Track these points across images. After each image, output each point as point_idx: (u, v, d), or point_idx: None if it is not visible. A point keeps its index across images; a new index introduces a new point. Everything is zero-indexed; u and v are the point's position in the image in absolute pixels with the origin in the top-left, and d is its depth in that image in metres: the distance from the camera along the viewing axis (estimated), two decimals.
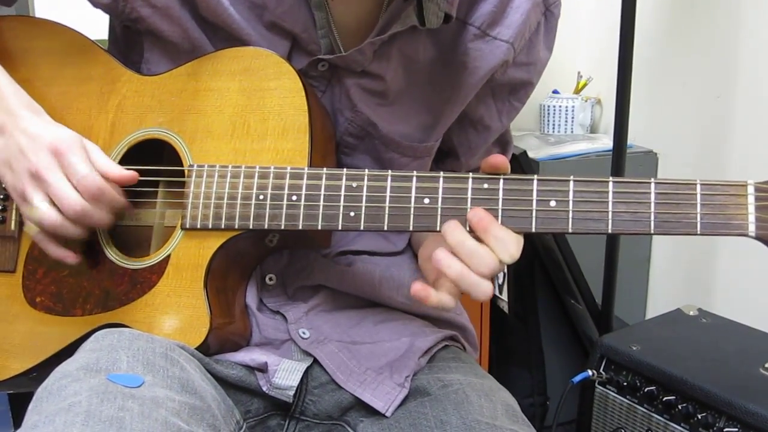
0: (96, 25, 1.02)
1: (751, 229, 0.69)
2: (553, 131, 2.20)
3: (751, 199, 0.69)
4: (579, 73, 2.23)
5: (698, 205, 0.70)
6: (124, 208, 0.85)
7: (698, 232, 0.70)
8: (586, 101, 2.19)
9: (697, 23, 1.89)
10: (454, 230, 0.74)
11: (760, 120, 1.72)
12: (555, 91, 2.21)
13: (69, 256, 0.85)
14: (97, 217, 0.82)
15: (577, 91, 2.22)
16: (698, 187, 0.70)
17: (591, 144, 2.04)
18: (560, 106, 2.17)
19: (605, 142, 2.04)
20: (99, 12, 0.93)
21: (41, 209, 0.80)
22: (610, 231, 0.72)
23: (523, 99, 1.00)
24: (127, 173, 0.84)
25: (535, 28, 0.94)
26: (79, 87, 0.92)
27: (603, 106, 2.24)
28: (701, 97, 1.88)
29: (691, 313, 1.50)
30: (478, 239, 0.73)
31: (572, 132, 2.18)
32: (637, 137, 2.03)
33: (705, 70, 1.87)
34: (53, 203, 0.80)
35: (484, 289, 0.73)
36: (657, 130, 2.04)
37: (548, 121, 2.20)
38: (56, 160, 0.80)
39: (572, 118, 2.18)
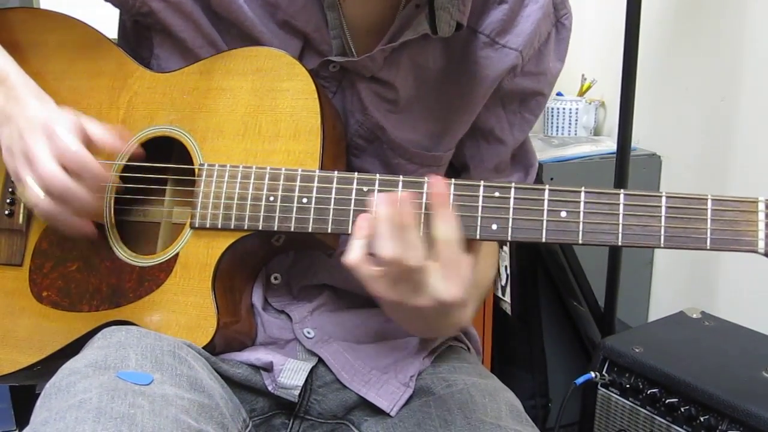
0: (103, 22, 1.02)
1: (761, 246, 0.69)
2: (557, 133, 2.20)
3: (761, 216, 0.69)
4: (583, 75, 2.23)
5: (708, 221, 0.70)
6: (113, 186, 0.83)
7: (708, 248, 0.70)
8: (590, 104, 2.19)
9: (701, 26, 1.89)
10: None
11: (764, 123, 1.72)
12: (559, 94, 2.21)
13: (86, 227, 0.84)
14: (81, 195, 0.80)
15: (581, 93, 2.22)
16: (709, 202, 0.70)
17: (595, 146, 2.03)
18: (564, 109, 2.17)
19: (609, 144, 2.03)
20: (106, 8, 0.92)
21: (33, 189, 0.79)
22: (620, 244, 0.72)
23: (535, 111, 0.98)
24: (122, 131, 0.84)
25: (545, 39, 0.93)
26: (90, 82, 0.92)
27: (607, 109, 2.24)
28: (705, 100, 1.88)
29: (694, 315, 1.50)
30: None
31: (576, 134, 2.18)
32: (641, 140, 2.03)
33: (709, 72, 1.87)
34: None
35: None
36: (661, 132, 2.04)
37: (552, 123, 2.20)
38: (46, 137, 0.79)
39: (576, 120, 2.18)
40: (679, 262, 2.03)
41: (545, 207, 0.73)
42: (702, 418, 1.22)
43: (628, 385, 1.34)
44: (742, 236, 0.69)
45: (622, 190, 0.72)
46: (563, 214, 0.73)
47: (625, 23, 1.63)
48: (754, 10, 1.73)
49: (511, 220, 0.74)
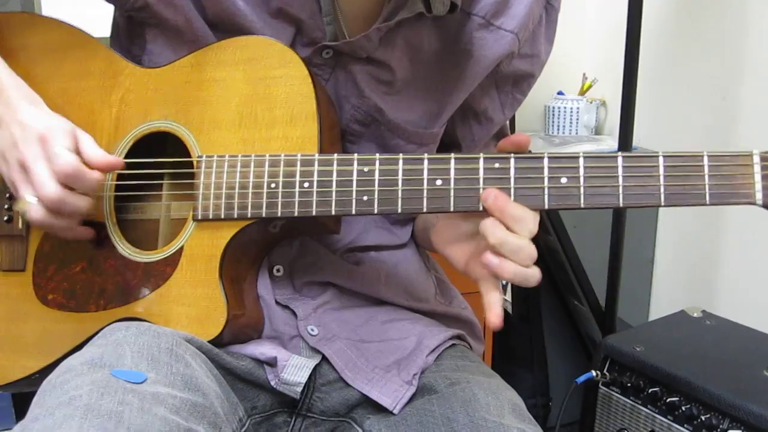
0: (102, 23, 1.02)
1: (758, 197, 0.70)
2: (558, 132, 2.20)
3: (757, 168, 0.70)
4: (584, 74, 2.23)
5: (706, 176, 0.71)
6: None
7: (707, 203, 0.71)
8: (591, 103, 2.19)
9: (702, 25, 1.89)
10: (495, 230, 0.74)
11: (765, 122, 1.72)
12: (560, 93, 2.21)
13: (82, 231, 0.84)
14: (76, 204, 0.81)
15: (582, 92, 2.22)
16: (705, 158, 0.71)
17: (596, 145, 2.04)
18: (565, 108, 2.18)
19: (610, 143, 2.04)
20: (102, 11, 0.92)
21: (30, 203, 0.80)
22: (621, 205, 0.73)
23: (525, 91, 1.01)
24: (113, 160, 0.83)
25: (538, 20, 0.95)
26: (80, 82, 0.91)
27: (608, 108, 2.24)
28: (706, 99, 1.88)
29: (695, 314, 1.50)
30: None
31: (577, 133, 2.18)
32: (641, 139, 2.03)
33: (710, 71, 1.87)
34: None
35: (533, 274, 0.75)
36: (662, 131, 2.04)
37: (553, 122, 2.21)
38: (42, 149, 0.79)
39: (577, 119, 2.18)
40: (680, 261, 2.03)
41: (545, 174, 0.74)
42: (703, 417, 1.22)
43: (629, 384, 1.34)
44: (739, 189, 0.71)
45: (619, 153, 0.73)
46: (564, 180, 0.74)
47: (626, 22, 1.63)
48: (756, 9, 1.73)
49: (513, 190, 0.75)
